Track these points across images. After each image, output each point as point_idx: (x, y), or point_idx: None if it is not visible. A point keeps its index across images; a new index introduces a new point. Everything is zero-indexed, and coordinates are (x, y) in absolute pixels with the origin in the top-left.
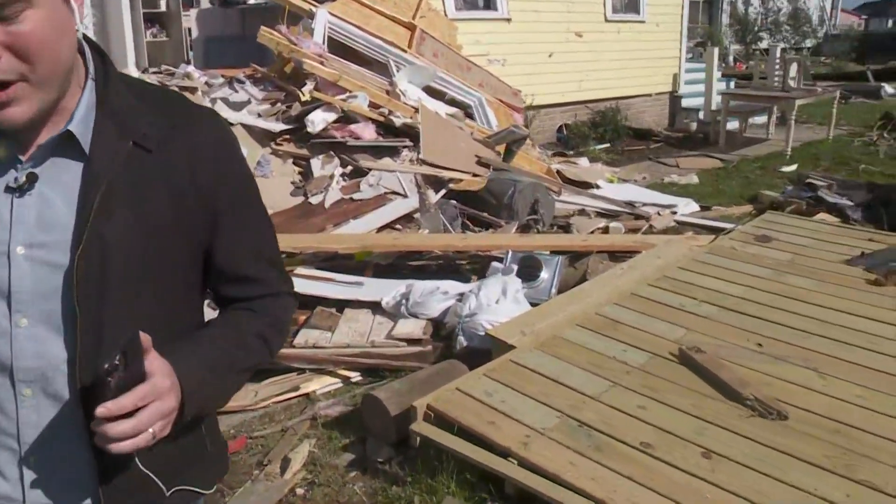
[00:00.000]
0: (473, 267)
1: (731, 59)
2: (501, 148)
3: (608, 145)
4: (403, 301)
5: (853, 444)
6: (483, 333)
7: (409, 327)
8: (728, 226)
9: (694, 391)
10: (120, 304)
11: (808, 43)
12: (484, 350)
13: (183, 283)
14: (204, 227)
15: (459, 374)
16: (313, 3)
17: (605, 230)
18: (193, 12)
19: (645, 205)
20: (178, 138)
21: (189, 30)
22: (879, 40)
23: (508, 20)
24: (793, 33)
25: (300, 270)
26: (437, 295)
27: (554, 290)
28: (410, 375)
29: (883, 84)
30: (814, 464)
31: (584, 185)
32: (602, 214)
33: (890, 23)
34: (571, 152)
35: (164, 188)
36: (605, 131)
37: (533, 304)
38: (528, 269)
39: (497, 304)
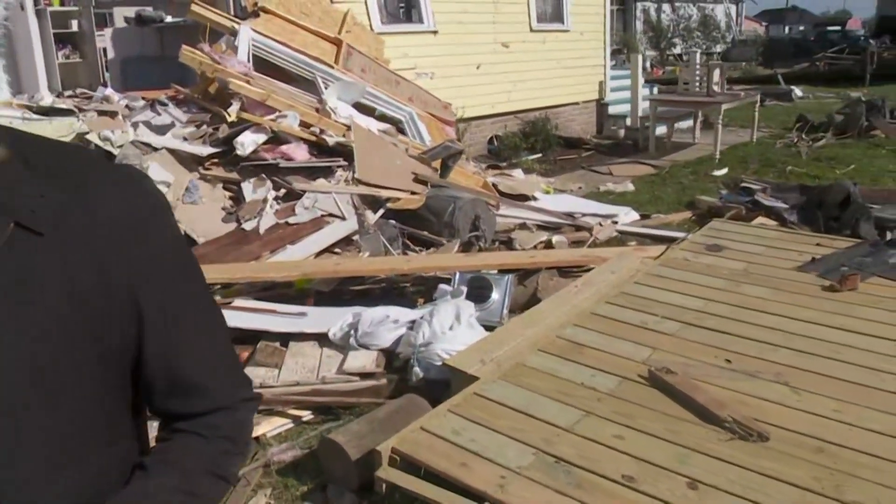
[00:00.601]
0: (419, 289)
1: (647, 64)
2: (437, 164)
3: (540, 155)
4: (352, 331)
5: (838, 462)
6: (440, 363)
7: (361, 360)
8: (671, 234)
9: (669, 416)
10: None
11: (718, 48)
12: (442, 381)
13: (97, 399)
14: (122, 328)
15: (421, 410)
16: (235, 20)
17: (549, 244)
18: (108, 31)
19: (585, 215)
20: (77, 214)
21: (104, 50)
22: (782, 46)
23: (435, 32)
24: (703, 39)
25: (238, 303)
26: (387, 324)
27: (506, 311)
28: (369, 415)
29: (792, 87)
30: (803, 487)
31: (521, 198)
32: (543, 227)
33: (787, 29)
34: (504, 164)
35: (60, 281)
36: (536, 141)
37: (486, 327)
38: (478, 290)
39: (451, 330)
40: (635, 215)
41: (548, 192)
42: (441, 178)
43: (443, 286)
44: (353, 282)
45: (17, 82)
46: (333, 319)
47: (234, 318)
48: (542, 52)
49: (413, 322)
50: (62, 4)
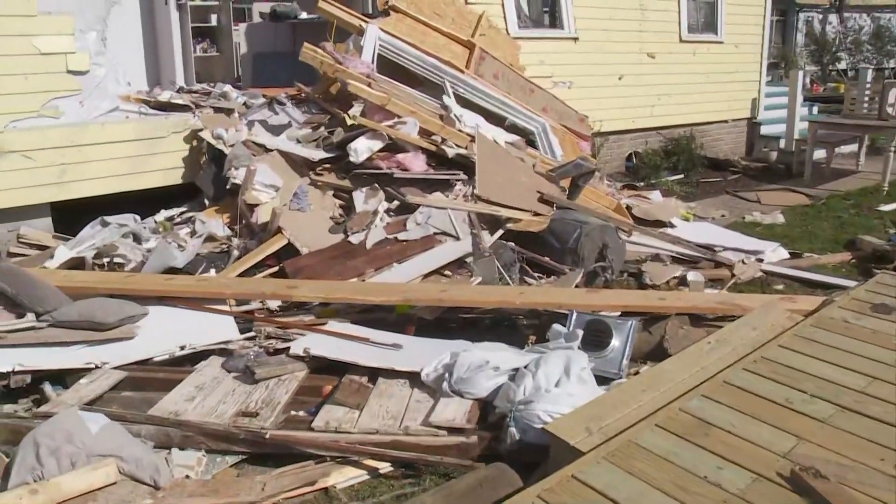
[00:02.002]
0: (532, 322)
1: (807, 80)
2: (566, 182)
3: (682, 176)
4: (446, 374)
5: None
6: (540, 427)
7: (452, 411)
8: (826, 279)
9: None
10: None
11: (893, 64)
12: (540, 446)
13: None
14: None
15: (508, 486)
16: (364, 18)
17: (683, 280)
18: (243, 26)
19: (726, 249)
20: None
21: (238, 45)
22: None
23: (575, 39)
24: (875, 53)
25: (332, 325)
26: (486, 371)
27: (625, 362)
28: (447, 486)
29: None
30: None
31: (656, 224)
32: (678, 260)
33: None
34: (642, 183)
35: None
36: (678, 161)
37: (600, 378)
38: (597, 335)
39: (558, 387)
40: (784, 253)
41: (687, 219)
42: (569, 200)
43: (557, 326)
44: (461, 309)
45: (155, 74)
46: (430, 355)
47: (323, 345)
48: (690, 64)
49: (516, 371)
50: None
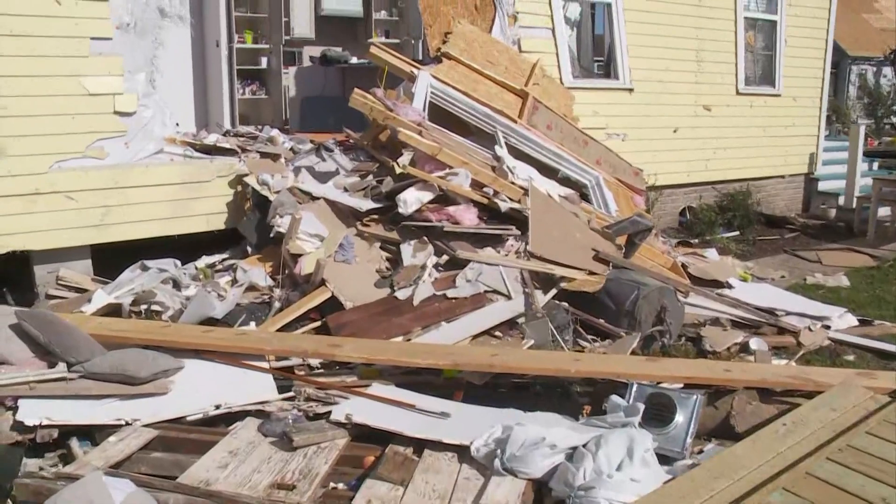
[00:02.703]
0: (587, 390)
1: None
2: (622, 239)
3: (738, 233)
4: (498, 451)
5: None
6: None
7: (504, 492)
8: None
9: None
10: None
11: None
12: None
13: None
14: None
15: None
16: (415, 64)
17: (745, 347)
18: (292, 70)
19: (789, 314)
20: None
21: (287, 88)
22: None
23: (630, 90)
24: None
25: (376, 387)
26: (542, 448)
27: (689, 440)
28: None
29: None
30: None
31: (713, 284)
32: (738, 324)
33: None
34: (696, 240)
35: None
36: (733, 217)
37: (663, 457)
38: (658, 410)
39: (620, 470)
40: (852, 319)
41: (745, 280)
42: (625, 259)
43: (616, 398)
44: (512, 374)
45: (204, 116)
46: (480, 425)
47: (366, 411)
48: (747, 117)
49: (574, 449)
50: (254, 42)
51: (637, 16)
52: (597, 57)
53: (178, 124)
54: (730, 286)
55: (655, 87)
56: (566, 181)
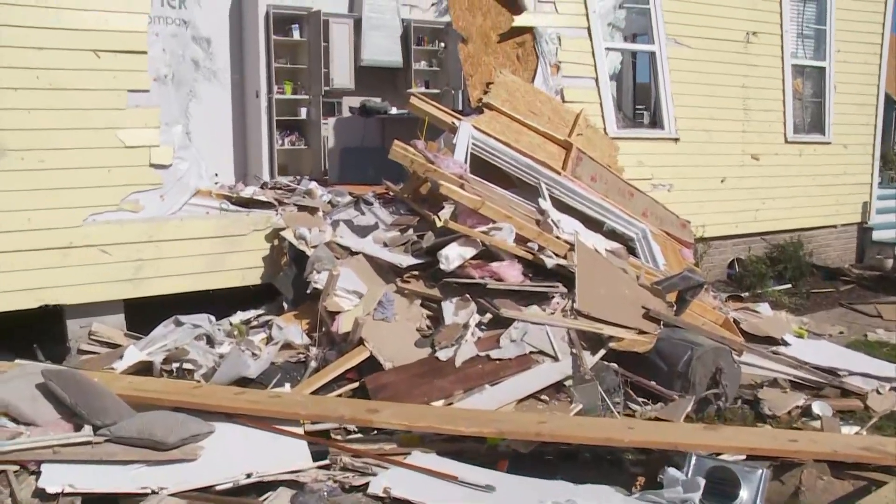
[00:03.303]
0: (640, 459)
1: None
2: (672, 295)
3: (790, 286)
4: None
5: None
6: None
7: None
8: None
9: None
10: None
11: None
12: None
13: None
14: None
15: None
16: (456, 115)
17: (806, 410)
18: (332, 120)
19: (852, 374)
20: None
21: (326, 139)
22: None
23: (676, 140)
24: None
25: (415, 456)
26: None
27: None
28: None
29: None
30: None
31: (767, 341)
32: (798, 385)
33: None
34: (747, 294)
35: None
36: (784, 268)
37: None
38: (720, 485)
39: None
40: None
41: (801, 336)
42: (676, 316)
43: (673, 471)
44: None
45: (243, 166)
46: (528, 500)
47: (405, 483)
48: (796, 166)
49: None
50: (294, 93)
51: (681, 64)
52: (639, 105)
53: (217, 175)
54: (785, 343)
55: (701, 136)
56: (611, 234)
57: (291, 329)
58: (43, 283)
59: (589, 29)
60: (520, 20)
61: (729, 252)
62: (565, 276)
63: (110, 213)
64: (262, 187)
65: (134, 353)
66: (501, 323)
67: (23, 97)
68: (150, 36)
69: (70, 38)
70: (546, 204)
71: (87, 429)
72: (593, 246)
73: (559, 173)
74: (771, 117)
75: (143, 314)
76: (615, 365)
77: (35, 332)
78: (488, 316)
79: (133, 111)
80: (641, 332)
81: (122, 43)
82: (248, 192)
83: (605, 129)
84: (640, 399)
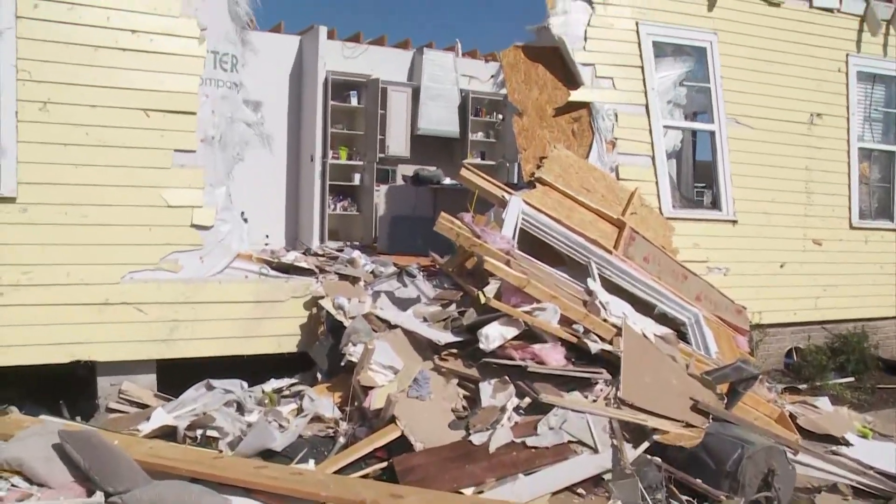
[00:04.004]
0: None
1: None
2: (723, 386)
3: (852, 379)
4: None
5: None
6: None
7: None
8: None
9: None
10: None
11: None
12: None
13: None
14: None
15: None
16: (507, 189)
17: None
18: (384, 188)
19: None
20: None
21: (378, 205)
22: None
23: (734, 222)
24: None
25: None
26: None
27: None
28: None
29: None
30: None
31: (827, 439)
32: (862, 492)
33: None
34: (805, 386)
35: None
36: (847, 360)
37: None
38: None
39: None
40: None
41: (865, 436)
42: (727, 410)
43: None
44: None
45: (294, 229)
46: None
47: None
48: (861, 252)
49: None
50: (349, 158)
51: (742, 144)
52: (699, 183)
53: (267, 236)
54: (847, 443)
55: (761, 218)
56: (662, 318)
57: (323, 401)
58: (76, 339)
59: (647, 106)
60: (576, 95)
61: (787, 340)
62: (610, 362)
63: (149, 271)
64: (304, 253)
65: (161, 416)
66: (540, 408)
67: (71, 153)
68: (200, 97)
69: (122, 96)
70: (594, 284)
71: (99, 495)
72: (642, 330)
73: (610, 252)
74: (835, 201)
75: (176, 375)
76: (658, 460)
77: (66, 387)
78: (527, 400)
79: (178, 171)
80: (688, 426)
81: (172, 103)
82: (289, 257)
83: (660, 208)
84: (685, 498)
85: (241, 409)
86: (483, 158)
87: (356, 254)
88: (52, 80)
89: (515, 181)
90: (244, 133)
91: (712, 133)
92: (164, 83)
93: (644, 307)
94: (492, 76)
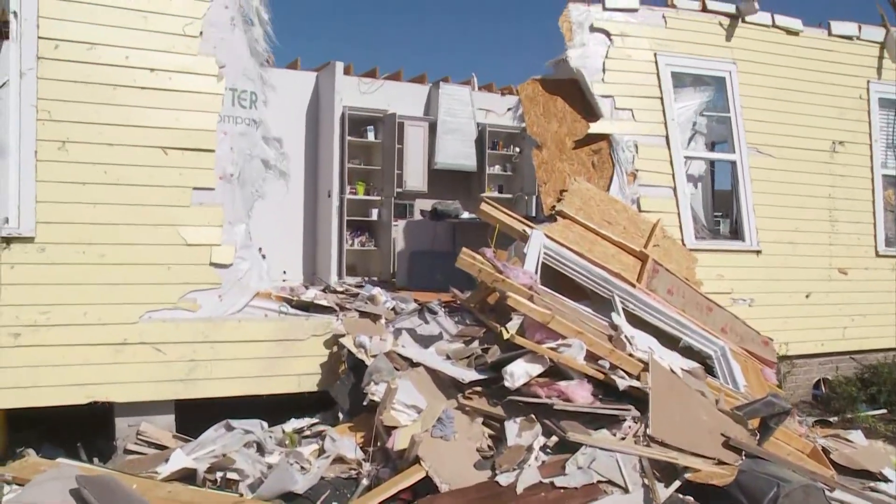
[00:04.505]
0: None
1: None
2: (754, 422)
3: (885, 411)
4: None
5: None
6: None
7: None
8: None
9: None
10: None
11: None
12: None
13: None
14: None
15: None
16: (528, 223)
17: None
18: (402, 223)
19: None
20: None
21: (396, 240)
22: None
23: (758, 252)
24: None
25: None
26: None
27: None
28: None
29: None
30: None
31: (863, 475)
32: None
33: None
34: (835, 418)
35: None
36: (878, 392)
37: None
38: None
39: None
40: None
41: None
42: (760, 447)
43: None
44: None
45: (311, 265)
46: None
47: None
48: (889, 280)
49: None
50: (366, 193)
51: (763, 174)
52: (717, 212)
53: (285, 272)
54: (885, 479)
55: (785, 248)
56: (687, 351)
57: (345, 442)
58: (94, 379)
59: (667, 137)
60: (596, 127)
61: (814, 372)
62: (638, 398)
63: (167, 310)
64: (324, 290)
65: (180, 458)
66: (568, 447)
67: (89, 191)
68: (218, 134)
69: (140, 135)
70: (619, 319)
71: None
72: (669, 365)
73: (634, 285)
74: (860, 229)
75: (195, 415)
76: (691, 499)
77: (84, 427)
78: (554, 439)
79: (196, 209)
80: (721, 463)
81: (191, 141)
82: (308, 295)
83: (682, 240)
84: None
85: (261, 450)
86: (500, 192)
87: (377, 291)
88: (71, 120)
89: (534, 214)
90: (262, 170)
91: (733, 163)
92: (182, 121)
93: (669, 340)
94: (508, 109)
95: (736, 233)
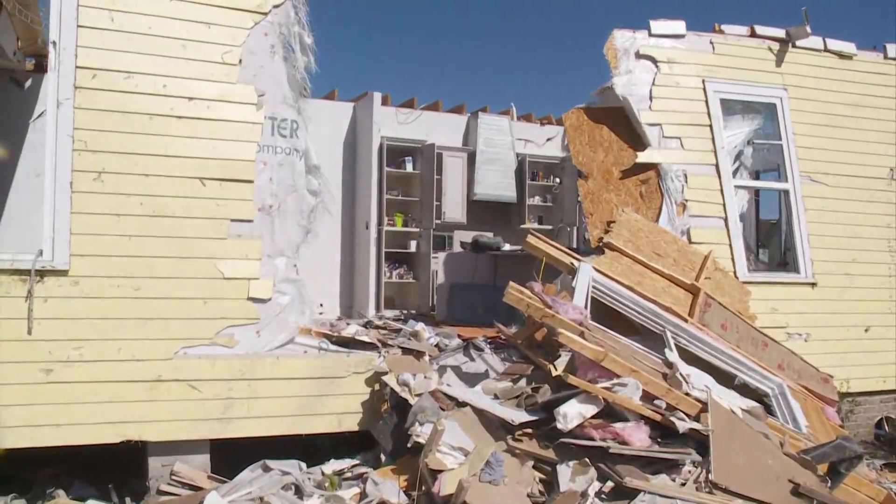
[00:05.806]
0: None
1: None
2: (822, 466)
3: None
4: None
5: None
6: None
7: None
8: None
9: None
10: None
11: None
12: None
13: None
14: None
15: None
16: (575, 256)
17: None
18: (442, 255)
19: None
20: None
21: (435, 273)
22: None
23: (813, 285)
24: None
25: None
26: None
27: None
28: None
29: None
30: None
31: None
32: None
33: None
34: None
35: None
36: None
37: None
38: None
39: None
40: None
41: None
42: (831, 495)
43: None
44: None
45: (350, 297)
46: None
47: None
48: None
49: None
50: (405, 225)
51: (818, 203)
52: (776, 248)
53: (321, 304)
54: None
55: (842, 280)
56: (743, 388)
57: (388, 485)
58: (127, 417)
59: (717, 166)
60: (643, 157)
61: (876, 410)
62: (697, 441)
63: (203, 346)
64: (365, 325)
65: (215, 500)
66: (625, 493)
67: (125, 223)
68: (257, 165)
69: (177, 165)
70: (673, 355)
71: None
72: (728, 405)
73: (686, 320)
74: None
75: (231, 455)
76: None
77: (116, 465)
78: (609, 484)
79: (234, 241)
80: None
81: (229, 171)
82: (349, 331)
83: (734, 272)
84: None
85: (299, 492)
86: (540, 223)
87: (420, 326)
88: (107, 150)
89: (575, 246)
90: (308, 201)
91: (786, 192)
92: (220, 150)
93: (723, 377)
94: (548, 139)
95: (782, 264)
